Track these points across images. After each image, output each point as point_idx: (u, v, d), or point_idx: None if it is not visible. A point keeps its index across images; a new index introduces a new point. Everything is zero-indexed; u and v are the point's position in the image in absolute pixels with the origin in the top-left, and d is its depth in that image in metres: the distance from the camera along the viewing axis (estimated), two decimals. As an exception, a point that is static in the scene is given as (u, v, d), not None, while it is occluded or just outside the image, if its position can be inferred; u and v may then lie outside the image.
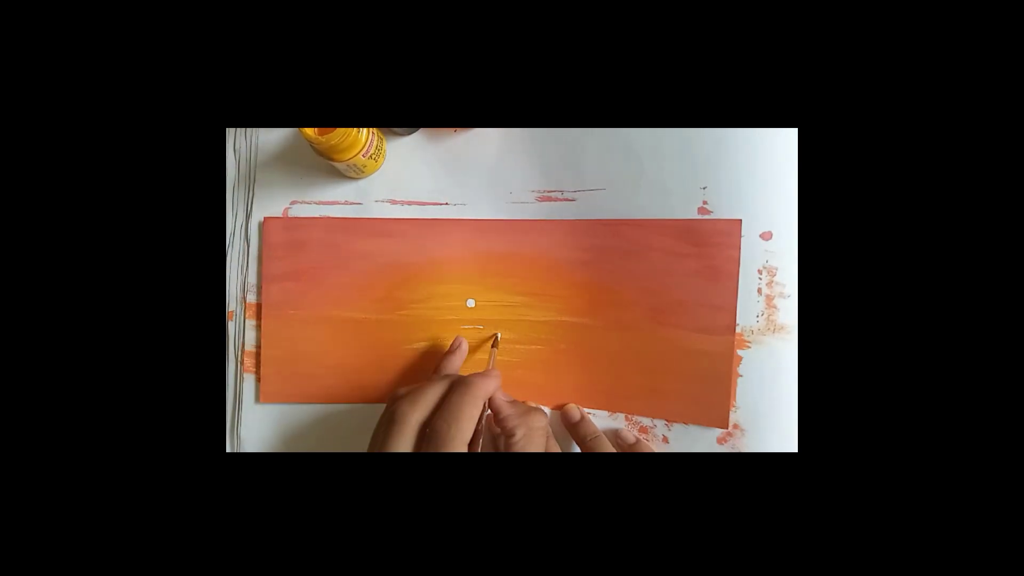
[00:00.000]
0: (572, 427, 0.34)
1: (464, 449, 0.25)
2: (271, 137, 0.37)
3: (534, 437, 0.28)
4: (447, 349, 0.34)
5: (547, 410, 0.35)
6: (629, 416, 0.35)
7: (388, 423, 0.26)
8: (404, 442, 0.25)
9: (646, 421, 0.35)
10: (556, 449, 0.33)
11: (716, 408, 0.33)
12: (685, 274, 0.34)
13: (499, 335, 0.35)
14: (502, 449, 0.28)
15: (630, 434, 0.34)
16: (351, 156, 0.32)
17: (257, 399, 0.36)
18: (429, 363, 0.36)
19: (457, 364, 0.33)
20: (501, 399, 0.29)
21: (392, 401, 0.27)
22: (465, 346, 0.34)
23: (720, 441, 0.34)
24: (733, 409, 0.33)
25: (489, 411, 0.30)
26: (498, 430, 0.30)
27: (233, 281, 0.37)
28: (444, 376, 0.29)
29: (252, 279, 0.37)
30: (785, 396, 0.33)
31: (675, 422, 0.34)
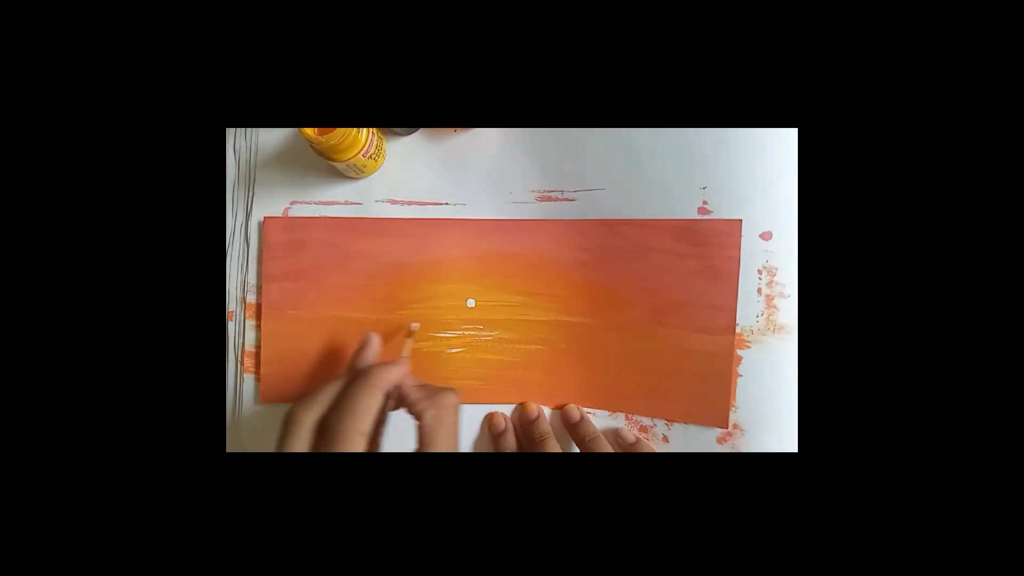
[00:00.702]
0: (572, 427, 0.34)
1: (362, 442, 0.24)
2: (271, 137, 0.37)
3: (444, 417, 0.26)
4: (357, 347, 0.31)
5: (508, 409, 0.35)
6: (629, 416, 0.35)
7: (282, 427, 0.25)
8: (299, 443, 0.24)
9: (646, 420, 0.35)
10: (556, 448, 0.33)
11: (716, 408, 0.33)
12: (685, 274, 0.34)
13: (416, 325, 0.35)
14: (418, 435, 0.27)
15: (630, 434, 0.34)
16: (351, 156, 0.32)
17: (257, 399, 0.36)
18: (428, 362, 0.36)
19: (368, 360, 0.31)
20: (408, 385, 0.28)
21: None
22: (376, 341, 0.31)
23: (720, 441, 0.34)
24: (733, 409, 0.33)
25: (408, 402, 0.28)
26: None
27: (233, 281, 0.37)
28: (346, 373, 0.28)
29: (252, 279, 0.37)
30: (785, 396, 0.33)
31: (675, 422, 0.34)
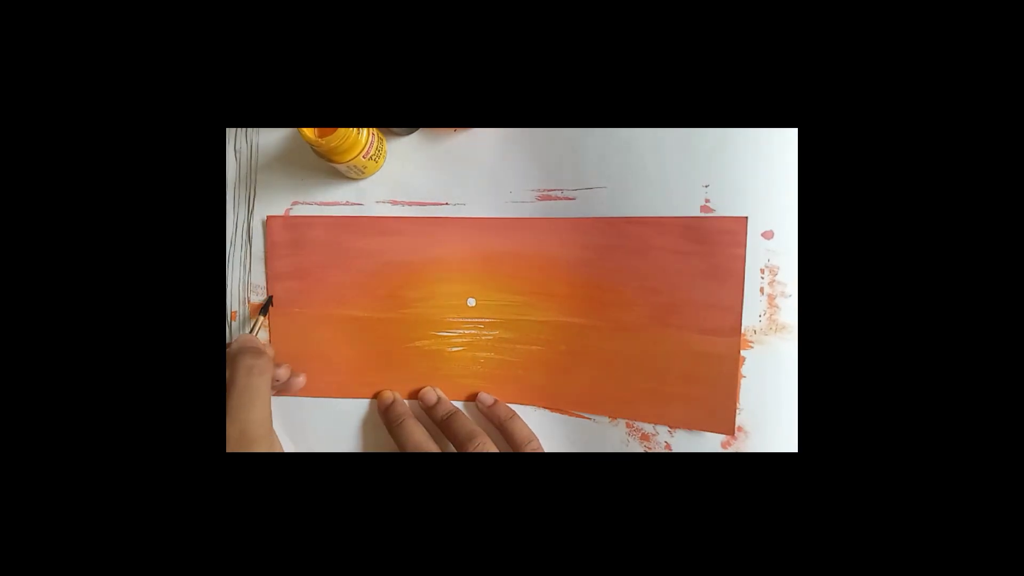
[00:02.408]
0: (428, 410, 0.35)
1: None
2: (272, 138, 0.37)
3: (251, 380, 0.30)
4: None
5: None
6: (631, 423, 0.34)
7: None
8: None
9: (648, 428, 0.34)
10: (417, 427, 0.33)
11: (721, 413, 0.33)
12: (689, 273, 0.33)
13: (271, 298, 0.36)
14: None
15: (487, 397, 0.35)
16: (351, 158, 0.32)
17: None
18: (430, 361, 0.36)
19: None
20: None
21: None
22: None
23: (724, 446, 0.33)
24: (737, 412, 0.33)
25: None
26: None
27: (236, 281, 0.37)
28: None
29: (254, 279, 0.37)
30: (787, 396, 0.32)
31: (678, 428, 0.34)
